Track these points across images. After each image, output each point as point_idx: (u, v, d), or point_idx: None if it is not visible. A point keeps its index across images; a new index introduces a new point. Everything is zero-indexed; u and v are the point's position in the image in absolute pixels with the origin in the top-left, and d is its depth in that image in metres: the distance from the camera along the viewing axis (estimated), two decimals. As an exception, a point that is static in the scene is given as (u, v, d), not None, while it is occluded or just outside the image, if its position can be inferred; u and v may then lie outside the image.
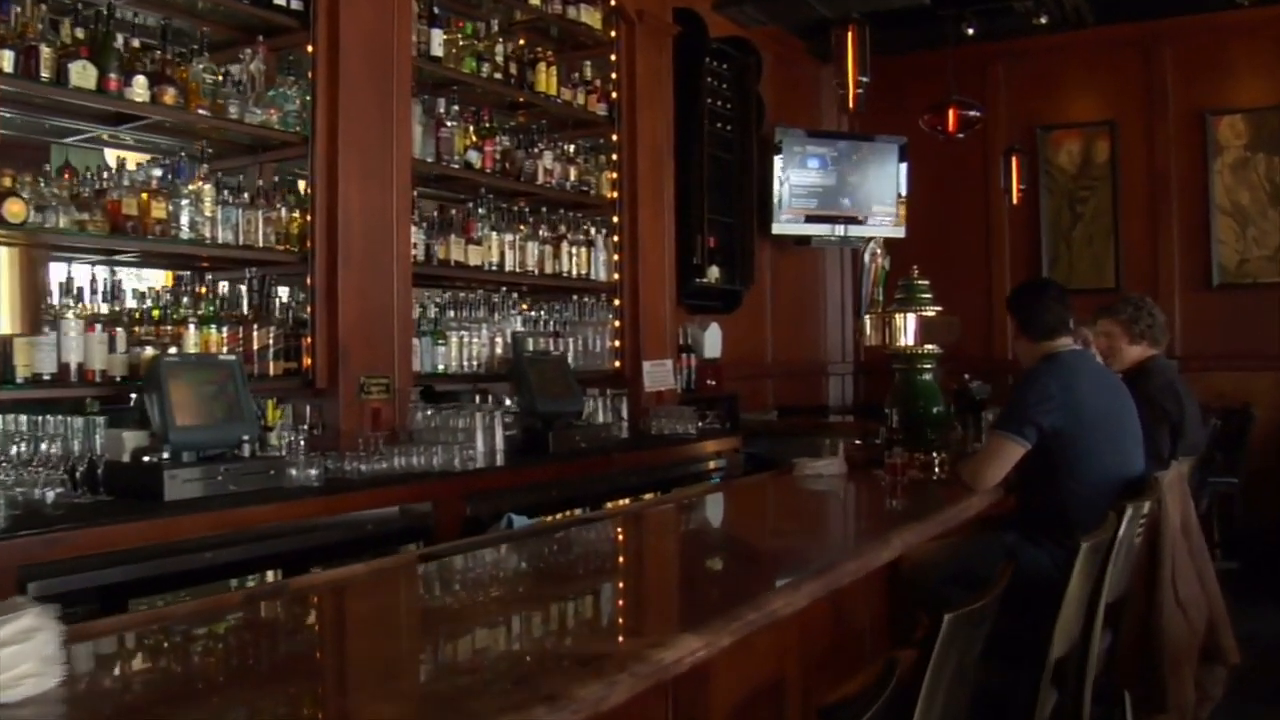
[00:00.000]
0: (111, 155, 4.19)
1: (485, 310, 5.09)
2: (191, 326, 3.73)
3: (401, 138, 4.38)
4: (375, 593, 2.38)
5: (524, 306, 5.48)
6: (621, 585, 2.49)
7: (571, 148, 5.67)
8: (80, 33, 3.52)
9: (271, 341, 3.95)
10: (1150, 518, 3.20)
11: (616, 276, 5.80)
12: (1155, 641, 3.29)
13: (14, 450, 3.21)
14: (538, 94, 5.34)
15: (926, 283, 4.34)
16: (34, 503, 3.04)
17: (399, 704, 1.54)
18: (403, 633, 2.07)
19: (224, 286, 4.15)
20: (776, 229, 8.03)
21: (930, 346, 4.28)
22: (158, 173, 3.80)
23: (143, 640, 1.95)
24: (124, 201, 3.56)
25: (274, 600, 2.39)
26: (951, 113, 7.62)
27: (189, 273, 4.18)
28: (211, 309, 3.88)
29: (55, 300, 3.58)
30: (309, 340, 4.05)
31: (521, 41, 5.38)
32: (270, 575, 3.33)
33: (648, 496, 4.79)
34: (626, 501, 4.67)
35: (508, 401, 4.89)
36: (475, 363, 4.89)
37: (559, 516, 4.10)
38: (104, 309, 3.78)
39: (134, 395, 3.57)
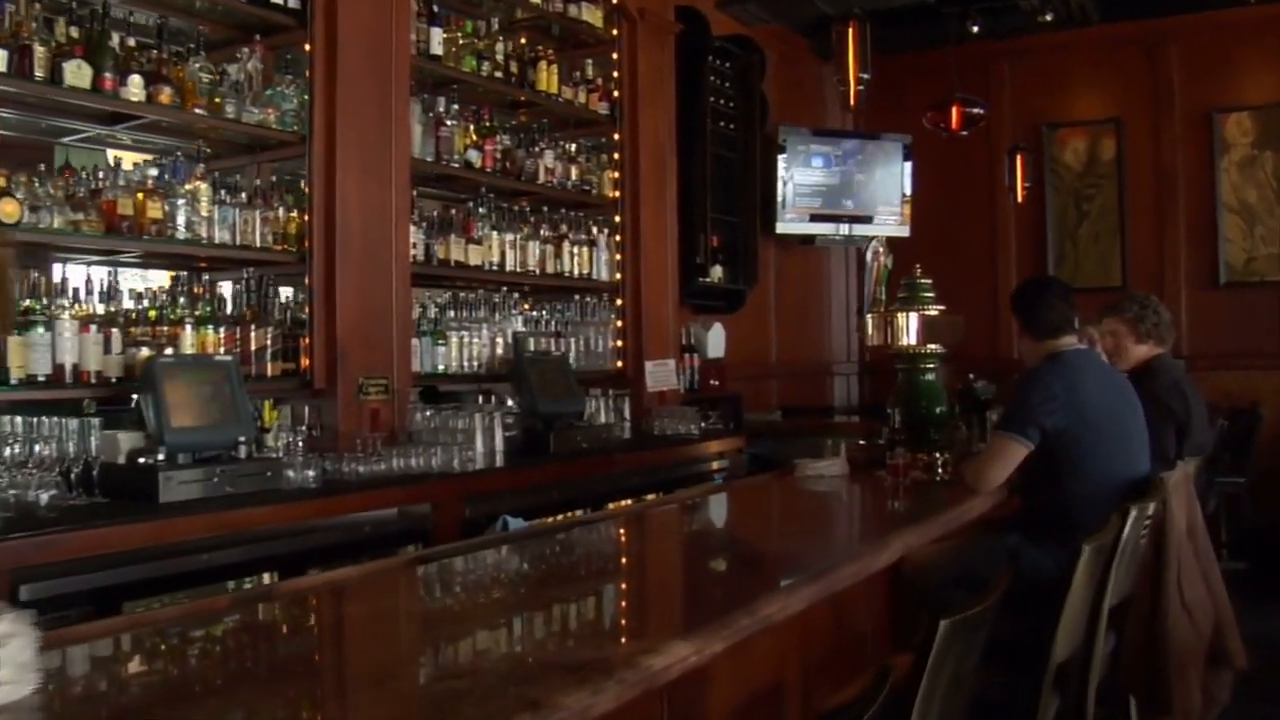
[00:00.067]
0: (113, 156, 4.17)
1: (486, 310, 5.06)
2: (188, 327, 3.71)
3: (400, 137, 4.36)
4: (364, 597, 2.35)
5: (525, 306, 5.46)
6: (614, 589, 2.45)
7: (573, 147, 5.65)
8: (75, 32, 3.49)
9: (269, 342, 3.92)
10: (1155, 519, 3.16)
11: (619, 276, 5.77)
12: (1160, 645, 3.25)
13: (8, 452, 3.19)
14: (539, 93, 5.32)
15: (929, 282, 4.31)
16: (27, 505, 3.02)
17: (378, 710, 1.52)
18: (389, 638, 2.04)
19: (226, 287, 4.13)
20: (781, 228, 8.01)
21: (933, 346, 4.25)
22: (154, 173, 3.77)
23: (121, 647, 1.93)
24: (119, 201, 3.53)
25: (261, 604, 2.36)
26: (955, 110, 7.58)
27: (186, 273, 4.15)
28: (208, 309, 3.86)
29: (47, 300, 3.54)
30: (307, 341, 4.03)
31: (523, 40, 5.36)
32: (267, 577, 3.31)
33: (650, 497, 4.76)
34: (628, 502, 4.64)
35: (510, 402, 4.86)
36: (476, 363, 4.87)
37: (558, 519, 4.08)
38: (100, 309, 3.75)
39: (135, 396, 3.54)
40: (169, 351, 3.61)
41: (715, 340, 6.84)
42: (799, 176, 8.08)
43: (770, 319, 8.09)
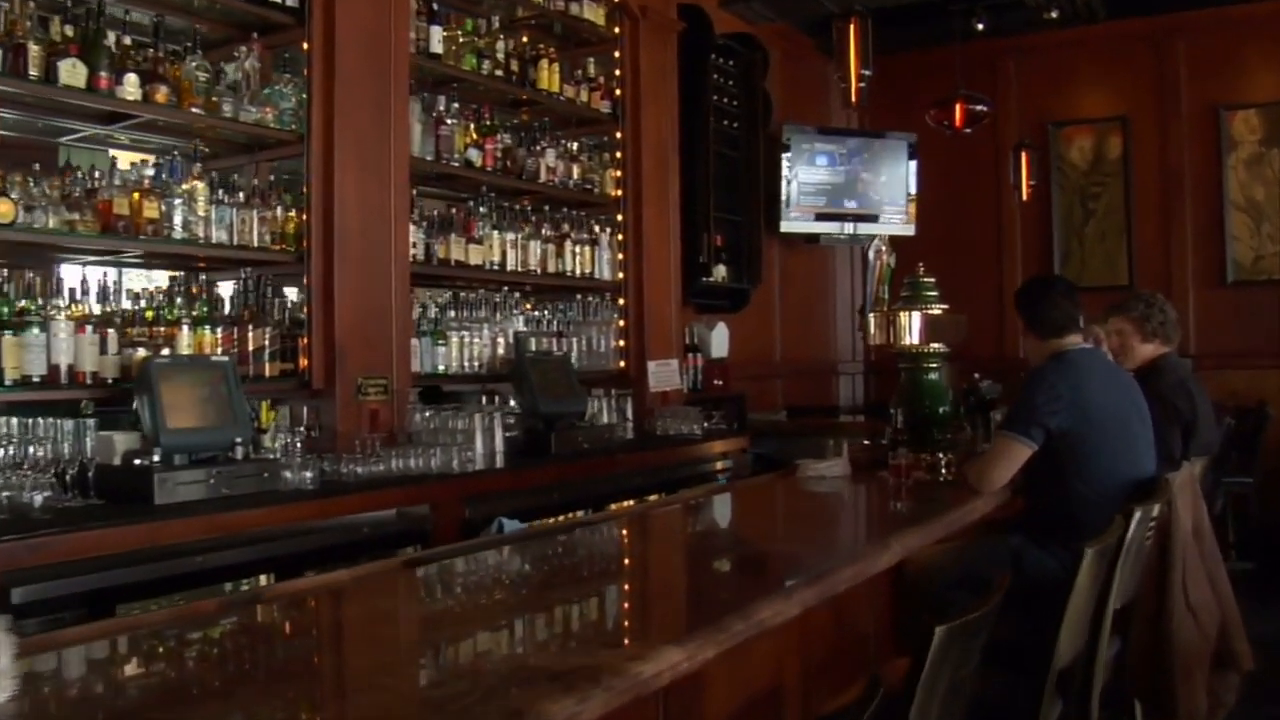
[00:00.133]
0: (115, 156, 4.15)
1: (487, 310, 5.03)
2: (185, 327, 3.69)
3: (399, 135, 4.34)
4: (353, 601, 2.32)
5: (527, 306, 5.44)
6: (606, 593, 2.41)
7: (575, 145, 5.62)
8: (70, 30, 3.47)
9: (267, 342, 3.90)
10: (1160, 520, 3.12)
11: (621, 275, 5.74)
12: (1165, 647, 3.21)
13: (2, 453, 3.17)
14: (540, 91, 5.29)
15: (932, 280, 4.27)
16: (21, 507, 2.99)
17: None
18: (373, 643, 2.00)
19: (227, 287, 4.11)
20: (785, 227, 7.98)
21: (936, 345, 4.21)
22: (150, 172, 3.75)
23: (100, 653, 1.90)
24: (115, 201, 3.51)
25: (248, 608, 2.33)
26: (958, 107, 7.54)
27: (183, 273, 4.13)
28: (206, 309, 3.84)
29: (42, 300, 3.52)
30: (305, 341, 4.00)
31: (524, 39, 5.33)
32: (263, 580, 3.29)
33: (652, 498, 4.73)
34: (630, 503, 4.61)
35: (511, 402, 4.83)
36: (477, 363, 4.84)
37: (558, 520, 4.05)
38: (97, 310, 3.73)
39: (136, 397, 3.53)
40: (166, 352, 3.58)
41: (719, 340, 6.81)
42: (804, 175, 8.05)
43: (775, 318, 8.06)
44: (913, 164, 8.41)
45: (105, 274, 3.91)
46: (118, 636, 1.99)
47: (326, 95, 4.05)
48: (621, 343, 5.75)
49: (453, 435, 4.24)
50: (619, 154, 5.78)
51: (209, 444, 3.36)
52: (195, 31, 3.94)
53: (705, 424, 5.59)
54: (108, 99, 3.54)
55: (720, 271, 6.84)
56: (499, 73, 5.02)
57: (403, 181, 4.35)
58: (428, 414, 4.39)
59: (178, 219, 3.69)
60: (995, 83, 8.44)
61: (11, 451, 3.18)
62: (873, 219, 8.26)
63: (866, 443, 4.75)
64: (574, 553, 2.86)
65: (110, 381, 3.46)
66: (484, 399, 4.87)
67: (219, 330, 3.78)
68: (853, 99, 4.95)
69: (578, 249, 5.44)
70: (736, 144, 7.10)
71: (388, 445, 3.97)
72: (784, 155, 7.89)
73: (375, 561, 2.88)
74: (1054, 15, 7.81)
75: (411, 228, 4.46)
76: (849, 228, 8.24)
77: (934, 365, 4.22)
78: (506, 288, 5.23)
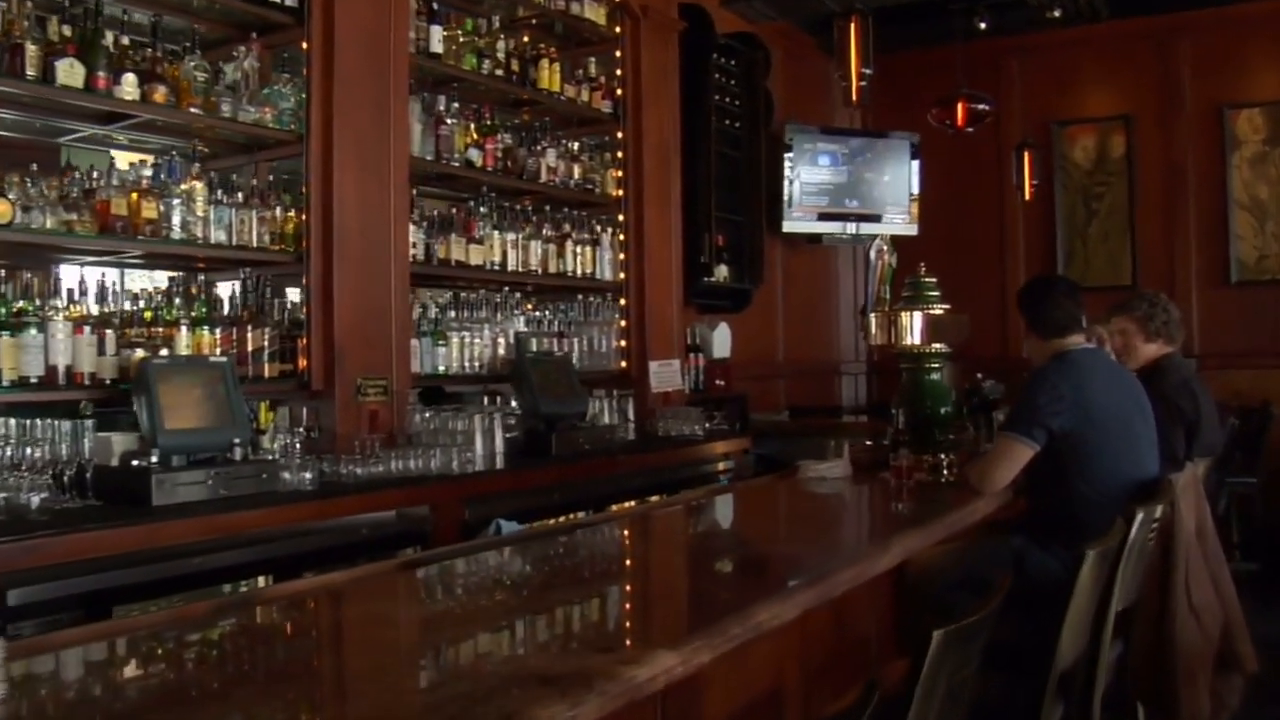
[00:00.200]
0: (116, 156, 4.14)
1: (488, 310, 5.02)
2: (184, 328, 3.68)
3: (399, 135, 4.32)
4: (347, 604, 2.30)
5: (528, 306, 5.42)
6: (603, 596, 2.39)
7: (576, 145, 5.61)
8: (68, 30, 3.46)
9: (266, 343, 3.89)
10: (1163, 521, 3.10)
11: (622, 276, 5.72)
12: (1168, 650, 3.19)
13: (-2, 454, 3.16)
14: (540, 91, 5.28)
15: (934, 280, 4.25)
16: (18, 508, 2.98)
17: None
18: (364, 647, 1.98)
19: (226, 287, 4.10)
20: (787, 227, 7.96)
21: (938, 345, 4.19)
22: (148, 173, 3.74)
23: (97, 655, 1.89)
24: (113, 201, 3.50)
25: (245, 610, 2.32)
26: (961, 107, 7.52)
27: (182, 273, 4.12)
28: (204, 310, 3.83)
29: (40, 300, 3.51)
30: (304, 341, 3.99)
31: (525, 38, 5.32)
32: (262, 581, 3.27)
33: (653, 499, 4.71)
34: (631, 504, 4.59)
35: (512, 403, 4.82)
36: (478, 364, 4.83)
37: (557, 521, 4.03)
38: (95, 310, 3.72)
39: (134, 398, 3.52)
40: (164, 353, 3.57)
41: (721, 340, 6.80)
42: (806, 175, 8.03)
43: (777, 318, 8.04)
44: (915, 164, 8.39)
45: (104, 274, 3.90)
46: (115, 638, 1.98)
47: (326, 95, 4.04)
48: (623, 343, 5.73)
49: (453, 436, 4.22)
50: (620, 154, 5.77)
51: (207, 445, 3.35)
52: (194, 31, 3.93)
53: (707, 425, 5.58)
54: (106, 99, 3.53)
55: (722, 271, 6.83)
56: (499, 72, 5.01)
57: (402, 181, 4.33)
58: (427, 415, 4.37)
59: (176, 219, 3.68)
60: (998, 82, 8.42)
61: (9, 453, 3.17)
62: (875, 219, 8.24)
63: (868, 443, 4.73)
64: (574, 554, 2.84)
65: (108, 382, 3.45)
66: (484, 400, 4.86)
67: (218, 331, 3.77)
68: (853, 98, 4.93)
69: (579, 249, 5.43)
70: (738, 143, 7.08)
71: (387, 446, 3.96)
72: (786, 155, 7.88)
73: (374, 563, 2.87)
74: (1057, 14, 7.80)
75: (411, 228, 4.45)
76: (851, 227, 8.23)
77: (936, 365, 4.20)
78: (507, 288, 5.22)
